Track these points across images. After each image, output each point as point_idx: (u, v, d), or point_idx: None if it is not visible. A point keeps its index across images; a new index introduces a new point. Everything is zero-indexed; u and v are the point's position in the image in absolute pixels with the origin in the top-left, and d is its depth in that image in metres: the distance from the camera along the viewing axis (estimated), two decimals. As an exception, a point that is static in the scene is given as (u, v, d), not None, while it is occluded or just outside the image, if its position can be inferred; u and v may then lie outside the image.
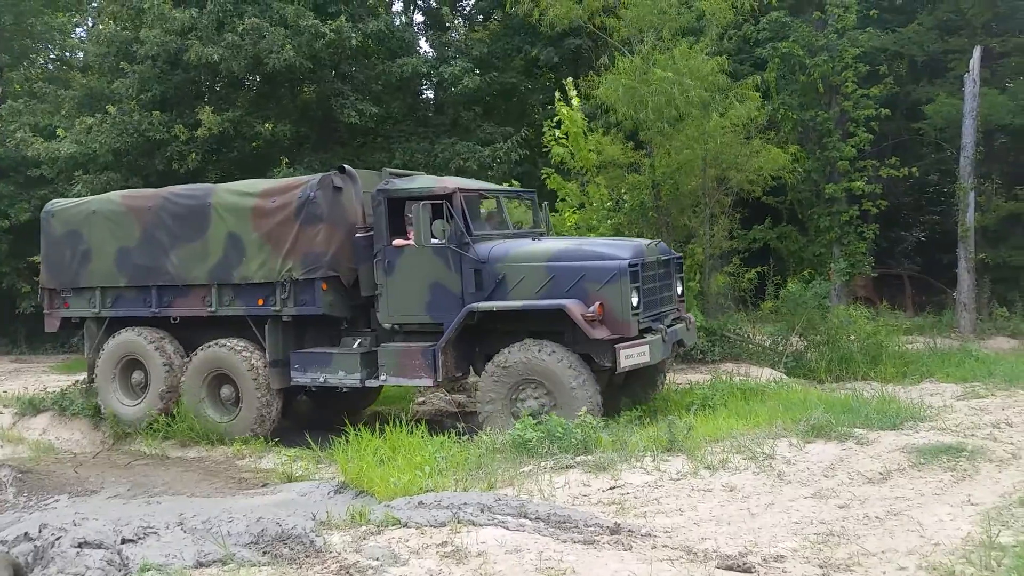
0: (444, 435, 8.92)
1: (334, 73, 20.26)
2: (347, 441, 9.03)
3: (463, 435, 9.18)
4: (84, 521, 5.52)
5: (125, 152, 19.13)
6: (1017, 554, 4.49)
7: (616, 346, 9.27)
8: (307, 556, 5.14)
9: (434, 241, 9.91)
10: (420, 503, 6.18)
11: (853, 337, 12.97)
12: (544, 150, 15.74)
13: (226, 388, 11.02)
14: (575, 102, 15.14)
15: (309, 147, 21.12)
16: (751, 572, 4.51)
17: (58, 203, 12.80)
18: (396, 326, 10.37)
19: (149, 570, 4.81)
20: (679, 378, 12.58)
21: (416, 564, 4.89)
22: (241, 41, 17.70)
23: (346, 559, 5.02)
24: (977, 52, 17.89)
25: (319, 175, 10.79)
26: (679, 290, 11.05)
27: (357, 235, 10.56)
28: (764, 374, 11.86)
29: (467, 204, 10.19)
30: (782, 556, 4.78)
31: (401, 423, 9.11)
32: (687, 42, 14.46)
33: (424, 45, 23.42)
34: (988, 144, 20.13)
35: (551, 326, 9.71)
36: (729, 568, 4.58)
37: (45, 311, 12.56)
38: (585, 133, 15.03)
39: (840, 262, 17.69)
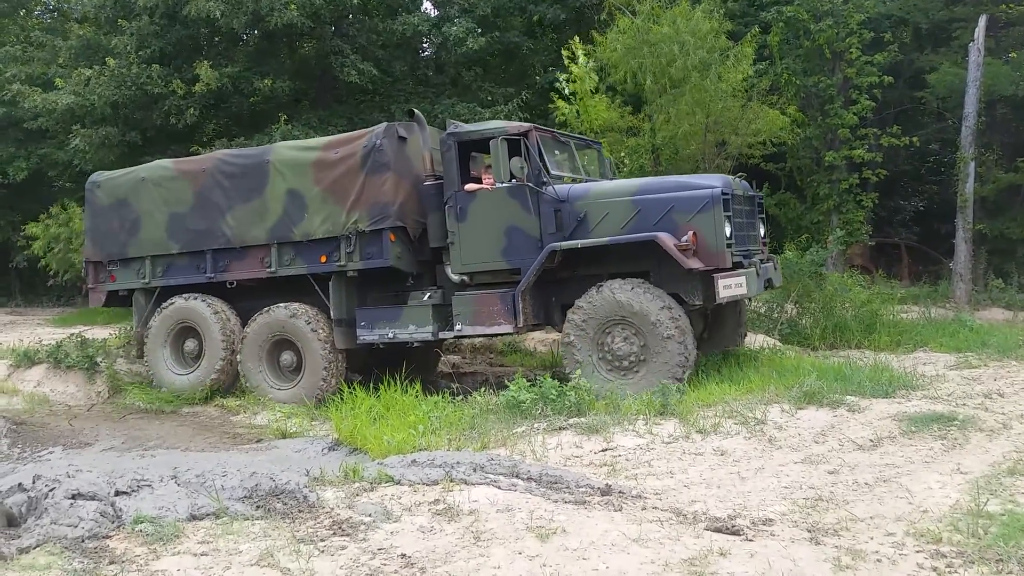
0: (438, 395, 8.96)
1: (334, 30, 20.08)
2: (342, 399, 9.07)
3: (457, 395, 9.21)
4: (78, 473, 5.55)
5: (123, 105, 18.99)
6: (1004, 523, 4.53)
7: (714, 275, 8.82)
8: (300, 511, 5.18)
9: (512, 181, 9.51)
10: (413, 461, 6.22)
11: (848, 305, 12.97)
12: (551, 105, 15.57)
13: (286, 354, 10.67)
14: (582, 60, 15.01)
15: (307, 104, 20.98)
16: (739, 534, 4.55)
17: (103, 174, 12.43)
18: (465, 279, 9.92)
19: (143, 522, 4.85)
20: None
21: (408, 521, 4.93)
22: (242, -4, 17.51)
23: (339, 515, 5.07)
24: (982, 21, 17.73)
25: (384, 124, 10.49)
26: (762, 231, 10.48)
27: (425, 183, 10.23)
28: (758, 340, 11.87)
29: (542, 145, 9.82)
30: (770, 519, 4.82)
31: (396, 382, 9.16)
32: (688, 1, 14.37)
33: (426, 2, 23.18)
34: (990, 114, 20.02)
35: (636, 266, 9.30)
36: (718, 530, 4.62)
37: (90, 285, 12.10)
38: (593, 92, 14.93)
39: (838, 230, 17.66)
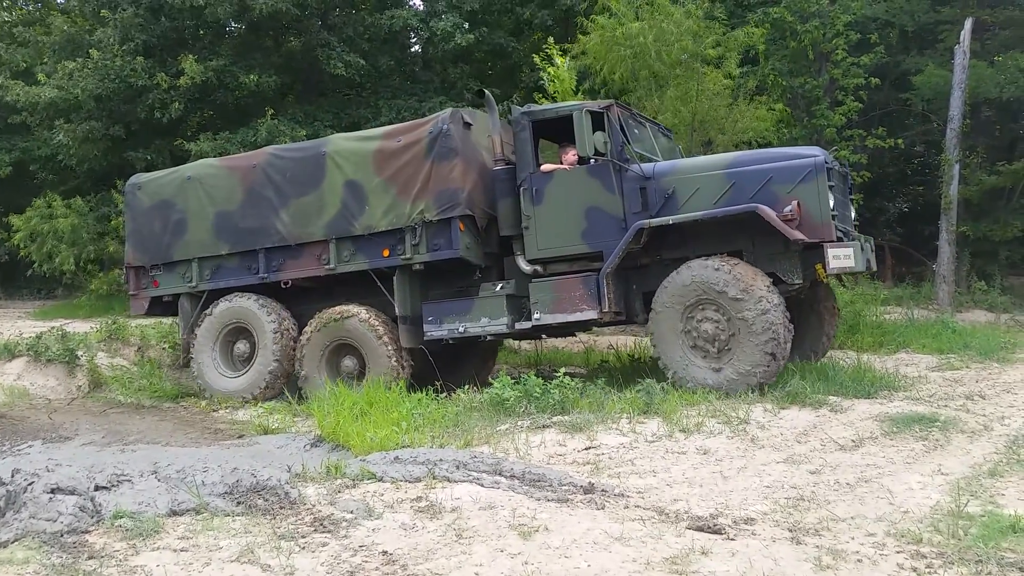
0: (422, 392, 8.93)
1: (320, 23, 20.02)
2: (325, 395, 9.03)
3: (441, 392, 9.19)
4: (57, 467, 5.52)
5: (107, 98, 18.90)
6: (984, 524, 4.55)
7: (825, 244, 8.27)
8: (281, 507, 5.15)
9: (592, 161, 9.11)
10: (396, 458, 6.20)
11: (831, 305, 13.02)
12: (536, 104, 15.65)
13: (348, 359, 10.17)
14: (560, 61, 15.05)
15: (293, 98, 20.93)
16: (721, 533, 4.55)
17: (143, 175, 12.06)
18: (538, 269, 9.43)
19: (122, 517, 4.81)
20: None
21: (390, 518, 4.91)
22: (227, -15, 17.46)
23: (320, 511, 5.04)
24: (968, 24, 17.84)
25: (449, 109, 10.19)
26: (852, 212, 9.75)
27: (495, 168, 9.80)
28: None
29: (623, 123, 9.33)
30: (752, 519, 4.82)
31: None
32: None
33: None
34: (975, 117, 20.15)
35: (727, 245, 8.75)
36: (700, 529, 4.62)
37: (131, 292, 11.60)
38: (575, 92, 14.96)
39: (822, 231, 17.69)
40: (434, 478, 5.63)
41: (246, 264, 10.81)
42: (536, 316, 9.26)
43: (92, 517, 4.88)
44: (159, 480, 5.56)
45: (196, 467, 5.87)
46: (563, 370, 8.69)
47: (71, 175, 22.25)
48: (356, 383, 9.79)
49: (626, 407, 7.66)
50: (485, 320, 9.54)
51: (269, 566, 4.19)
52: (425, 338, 9.89)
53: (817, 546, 4.34)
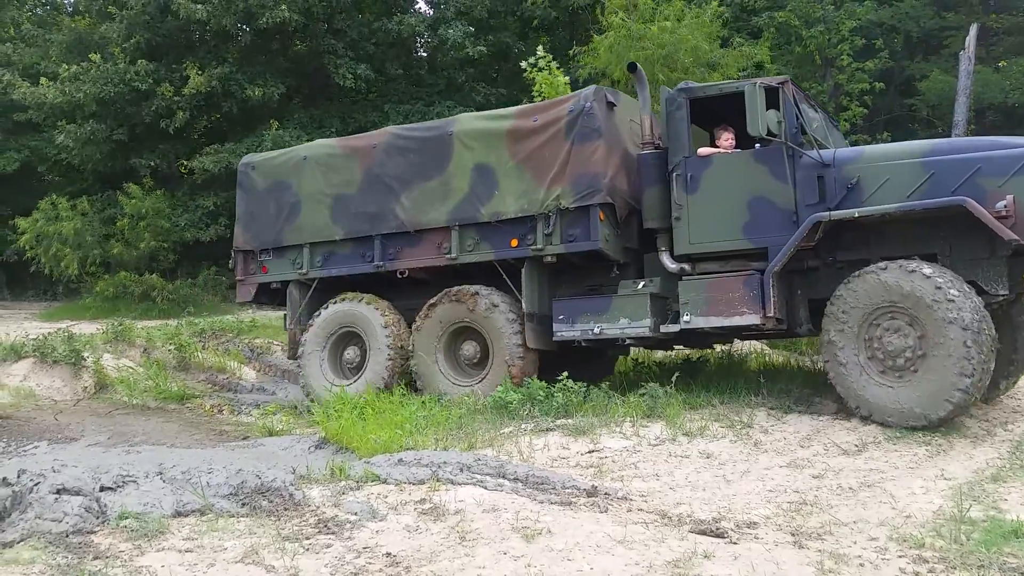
0: (426, 394, 8.95)
1: (327, 27, 20.08)
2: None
3: (444, 395, 9.19)
4: (63, 468, 5.53)
5: (111, 102, 18.97)
6: (986, 529, 4.56)
7: None
8: (286, 509, 5.16)
9: (757, 145, 8.21)
10: (400, 460, 6.21)
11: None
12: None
13: (468, 345, 9.43)
14: (554, 69, 15.04)
15: (300, 102, 20.96)
16: (724, 537, 4.56)
17: (258, 155, 11.50)
18: (685, 267, 8.41)
19: (127, 518, 4.83)
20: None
21: (394, 520, 4.93)
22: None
23: (324, 513, 5.05)
24: (974, 29, 17.82)
25: (592, 87, 9.17)
26: None
27: (643, 152, 8.84)
28: (746, 345, 11.91)
29: (797, 103, 8.28)
30: (755, 523, 4.84)
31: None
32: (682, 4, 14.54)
33: (420, 1, 23.19)
34: (979, 122, 20.13)
35: (916, 247, 7.51)
36: (702, 533, 4.64)
37: (238, 277, 10.94)
38: None
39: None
40: (438, 480, 5.65)
41: (360, 251, 10.07)
42: (685, 318, 8.19)
43: (97, 518, 4.90)
44: (164, 481, 5.58)
45: (201, 468, 5.87)
46: (566, 373, 8.69)
47: (78, 177, 22.34)
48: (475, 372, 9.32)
49: (629, 411, 7.66)
50: (624, 321, 8.54)
51: (273, 567, 4.21)
52: (555, 339, 8.99)
53: (819, 550, 4.36)
